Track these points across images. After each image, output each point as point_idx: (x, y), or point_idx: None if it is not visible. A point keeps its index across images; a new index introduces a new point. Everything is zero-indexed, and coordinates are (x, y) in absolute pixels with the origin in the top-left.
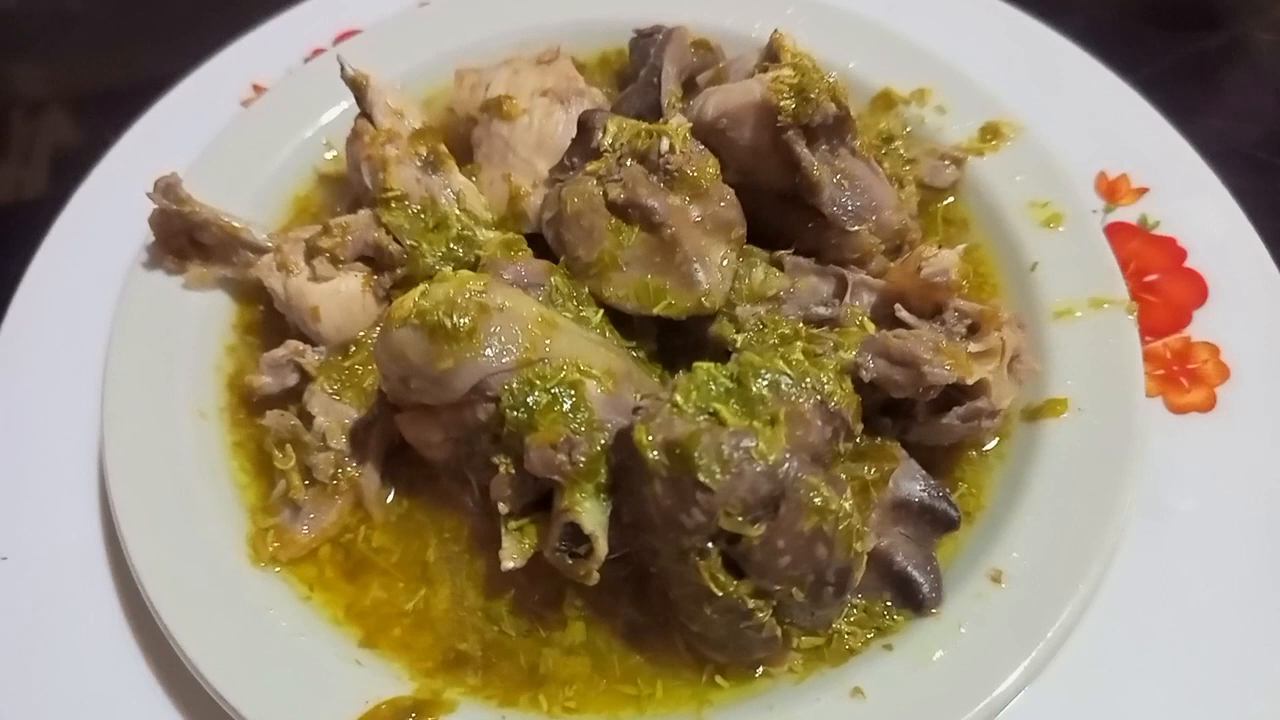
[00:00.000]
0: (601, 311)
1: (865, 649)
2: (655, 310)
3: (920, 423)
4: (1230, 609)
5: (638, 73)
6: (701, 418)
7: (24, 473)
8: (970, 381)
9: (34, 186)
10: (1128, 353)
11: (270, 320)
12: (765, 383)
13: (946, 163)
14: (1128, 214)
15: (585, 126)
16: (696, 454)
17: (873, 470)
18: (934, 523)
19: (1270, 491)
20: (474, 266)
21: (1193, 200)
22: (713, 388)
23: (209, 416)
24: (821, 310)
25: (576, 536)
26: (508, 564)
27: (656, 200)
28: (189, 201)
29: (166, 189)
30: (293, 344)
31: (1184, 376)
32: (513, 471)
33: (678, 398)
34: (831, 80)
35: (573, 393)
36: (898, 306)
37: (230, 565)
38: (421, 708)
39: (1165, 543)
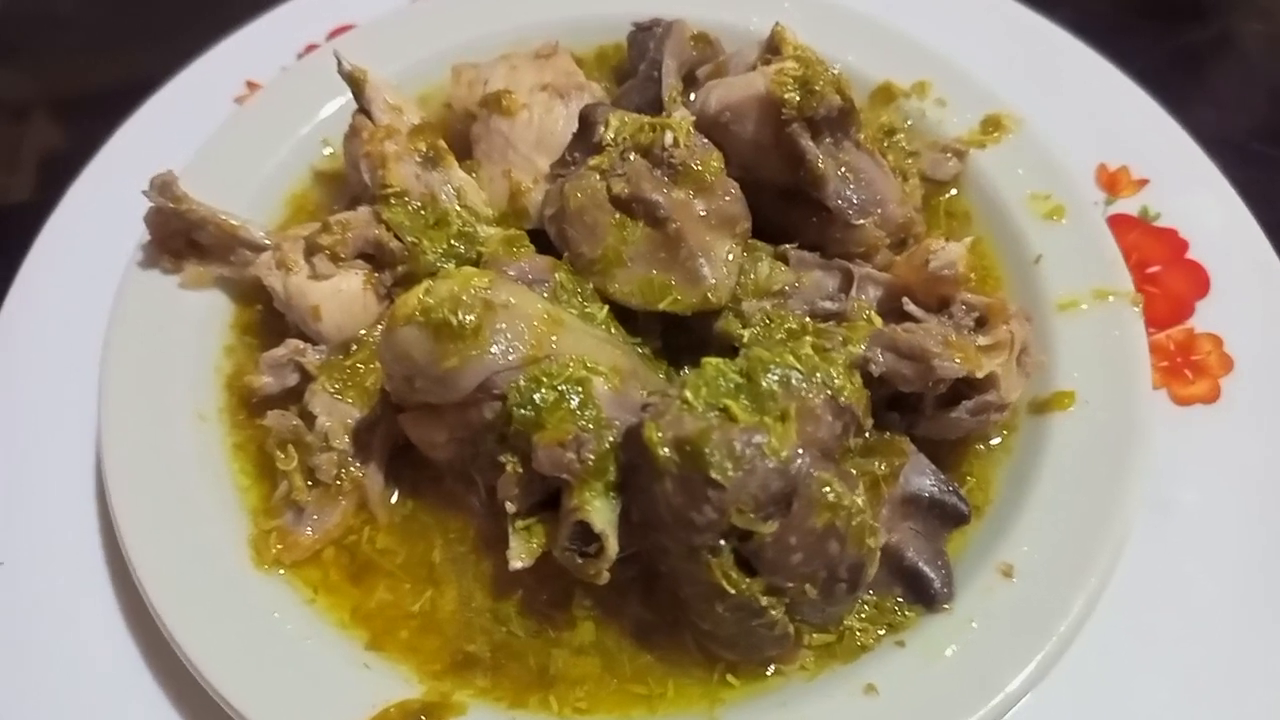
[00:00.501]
0: (606, 308)
1: (877, 645)
2: (661, 306)
3: (927, 417)
4: (1235, 602)
5: (636, 67)
6: (712, 414)
7: (21, 478)
8: (980, 375)
9: (21, 190)
10: (1133, 344)
11: (269, 320)
12: (775, 378)
13: (948, 155)
14: (1128, 206)
15: (587, 121)
16: (708, 451)
17: (883, 465)
18: (944, 517)
19: (1275, 483)
20: (476, 263)
21: (1193, 191)
22: (722, 384)
23: (208, 418)
24: (827, 305)
25: (586, 536)
26: (515, 564)
27: (660, 195)
28: (185, 199)
29: (163, 187)
30: (293, 343)
31: (1188, 368)
32: (520, 470)
33: (687, 394)
34: (835, 72)
35: (580, 390)
36: (905, 300)
37: (233, 569)
38: (430, 710)
39: (1170, 536)
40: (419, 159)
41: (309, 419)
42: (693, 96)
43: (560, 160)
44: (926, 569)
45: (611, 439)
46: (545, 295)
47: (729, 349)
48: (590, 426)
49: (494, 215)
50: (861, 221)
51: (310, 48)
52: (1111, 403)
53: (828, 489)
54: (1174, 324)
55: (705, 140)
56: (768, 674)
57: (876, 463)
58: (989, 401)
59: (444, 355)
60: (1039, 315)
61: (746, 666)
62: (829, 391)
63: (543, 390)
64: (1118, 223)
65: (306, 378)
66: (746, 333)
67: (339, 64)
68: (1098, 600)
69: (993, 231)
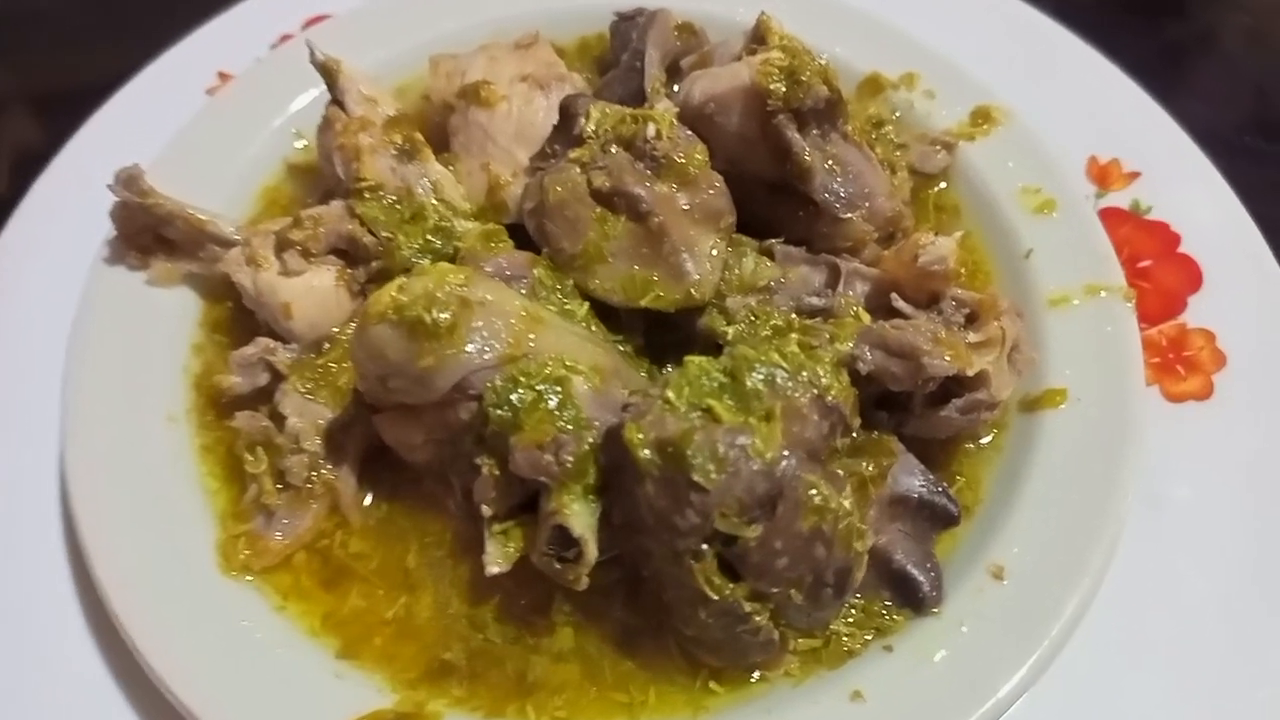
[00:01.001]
0: (587, 305)
1: (864, 650)
2: (643, 303)
3: (917, 416)
4: (1228, 600)
5: (619, 58)
6: (695, 415)
7: None
8: (970, 373)
9: None
10: (1125, 341)
11: (240, 318)
12: (760, 377)
13: (937, 148)
14: (1119, 199)
15: (567, 113)
16: (690, 453)
17: (871, 466)
18: (933, 518)
19: (1269, 480)
20: (452, 259)
21: (1186, 185)
22: (706, 383)
23: (176, 419)
24: (814, 301)
25: (565, 540)
26: (492, 569)
27: (643, 188)
28: (152, 194)
29: (128, 181)
30: (263, 342)
31: (1180, 364)
32: (497, 473)
33: (669, 394)
34: (822, 63)
35: (559, 390)
36: (894, 296)
37: (200, 575)
38: None
39: (1163, 534)
40: (394, 151)
41: (279, 420)
42: (676, 88)
43: (540, 153)
44: (915, 572)
45: (591, 440)
46: (523, 292)
47: (713, 347)
48: (569, 427)
49: (472, 210)
50: (849, 215)
51: (285, 38)
52: (1104, 400)
53: (814, 491)
54: (1166, 319)
55: (689, 132)
56: (752, 680)
57: (864, 463)
58: (980, 400)
59: (419, 354)
60: (1030, 311)
61: (731, 673)
62: (815, 390)
63: (520, 390)
64: (1109, 216)
65: (277, 377)
66: (731, 330)
67: (311, 54)
68: (1091, 602)
69: (982, 225)
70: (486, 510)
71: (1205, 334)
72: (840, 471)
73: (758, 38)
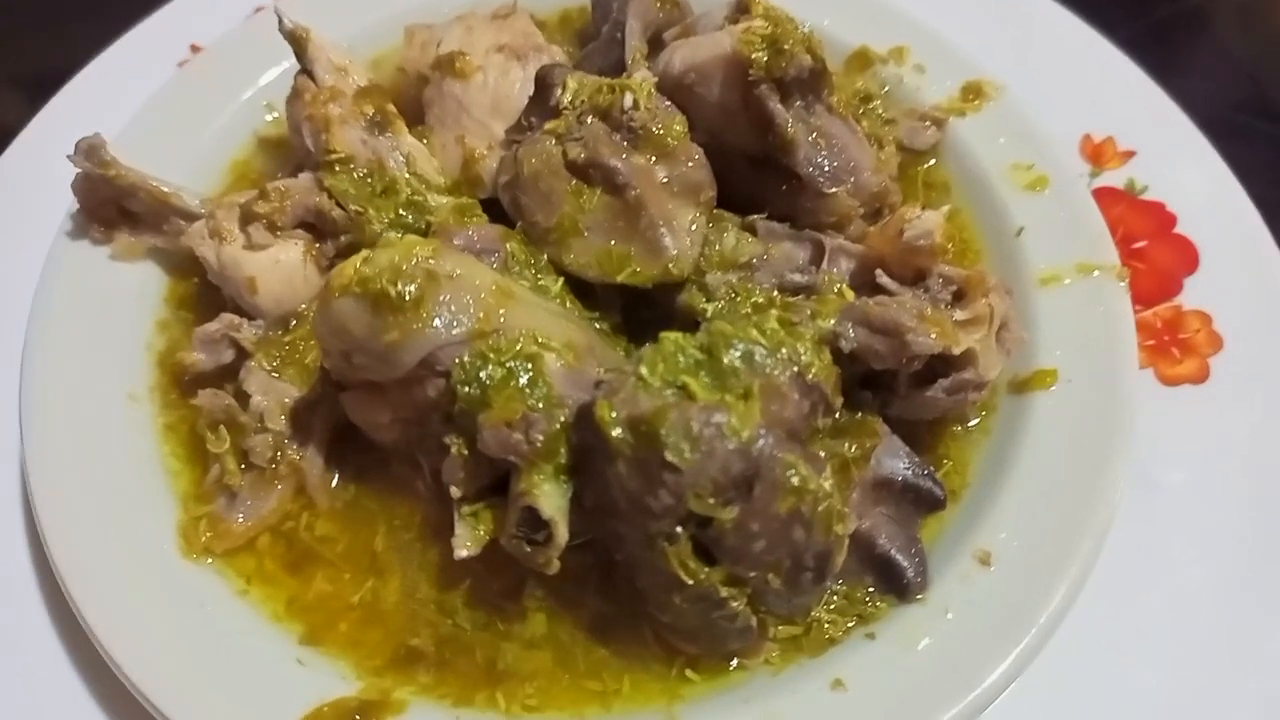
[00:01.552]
0: (562, 280)
1: (846, 638)
2: (619, 279)
3: (902, 396)
4: (1222, 586)
5: (600, 30)
6: (669, 392)
7: None
8: (956, 351)
9: None
10: (1118, 321)
11: (206, 294)
12: (738, 354)
13: (926, 124)
14: (1114, 178)
15: (544, 83)
16: (663, 431)
17: (853, 447)
18: (918, 502)
19: (1265, 464)
20: (425, 233)
21: (1182, 164)
22: (681, 359)
23: (138, 398)
24: (797, 277)
25: (535, 522)
26: (461, 552)
27: (619, 160)
28: (114, 165)
29: (89, 151)
30: (228, 318)
31: (1175, 347)
32: (465, 453)
33: (643, 370)
34: (806, 32)
35: (530, 366)
36: (879, 272)
37: (160, 558)
38: (367, 709)
39: (1156, 518)
40: (365, 123)
41: (244, 398)
42: (658, 58)
43: (516, 125)
44: (899, 557)
45: (563, 419)
46: (495, 266)
47: (692, 324)
48: (540, 405)
49: (446, 184)
50: (834, 190)
51: (260, 10)
52: (1095, 382)
53: (792, 472)
54: (1161, 301)
55: (668, 103)
56: (730, 668)
57: (847, 444)
58: (966, 380)
59: (383, 329)
60: (1020, 290)
61: (708, 660)
62: (795, 368)
63: (490, 367)
64: (1103, 196)
65: (242, 354)
66: (710, 307)
67: (280, 22)
68: (1080, 589)
69: (973, 203)
70: (455, 491)
71: (1201, 316)
72: (821, 453)
73: (741, 8)
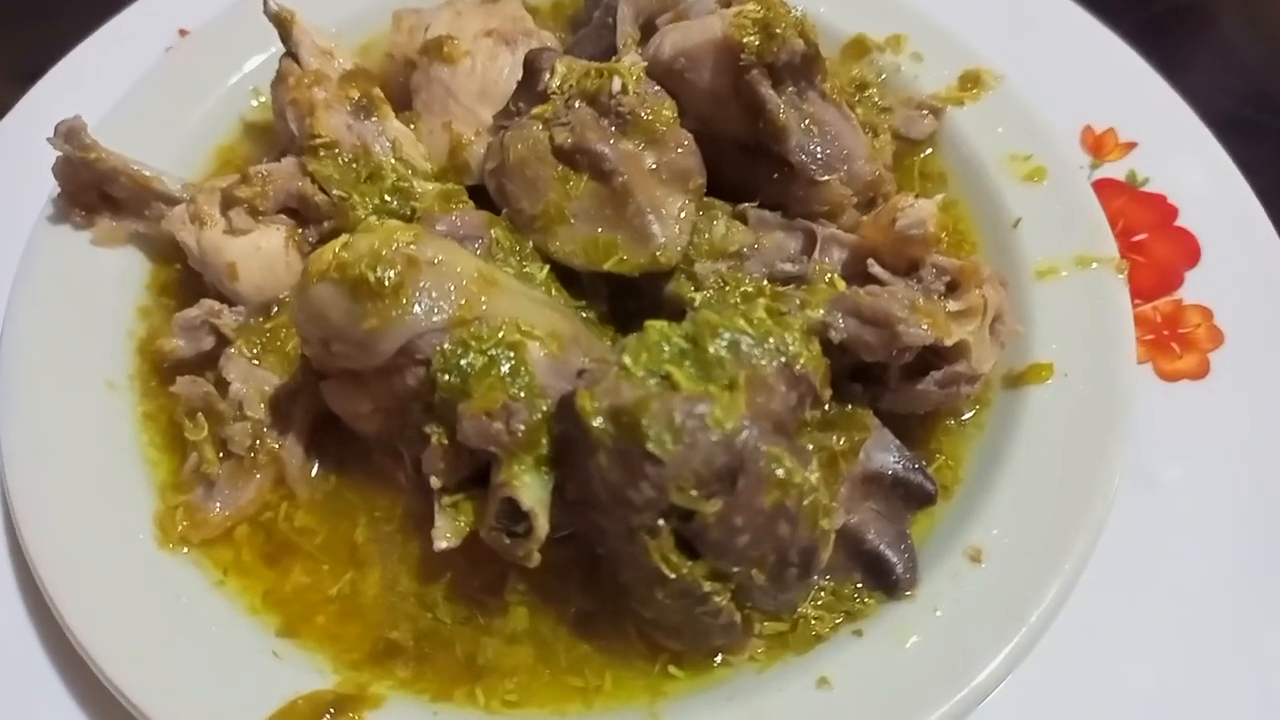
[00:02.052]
0: (547, 268)
1: (833, 635)
2: (605, 267)
3: (893, 389)
4: (1220, 584)
5: (592, 15)
6: (652, 382)
7: None
8: (948, 343)
9: None
10: (1116, 314)
11: (189, 281)
12: (724, 343)
13: (923, 113)
14: (1114, 170)
15: (532, 68)
16: (645, 422)
17: (842, 440)
18: (908, 497)
19: (1265, 461)
20: (410, 220)
21: (1183, 156)
22: (665, 349)
23: (117, 386)
24: (788, 267)
25: (515, 513)
26: (440, 544)
27: (607, 146)
28: (95, 148)
29: (69, 134)
30: (208, 304)
31: (1175, 342)
32: (446, 443)
33: (626, 360)
34: (798, 15)
35: (512, 355)
36: (870, 262)
37: (136, 548)
38: (343, 703)
39: (1155, 515)
40: (350, 107)
41: (223, 386)
42: (649, 43)
43: (504, 111)
44: (888, 553)
45: (545, 409)
46: (479, 253)
47: (680, 314)
48: (522, 395)
49: (433, 170)
50: (826, 178)
51: None
52: (1092, 376)
53: (777, 465)
54: (1161, 295)
55: (657, 88)
56: (715, 665)
57: (836, 437)
58: (959, 372)
59: (362, 315)
60: (1017, 282)
61: (692, 657)
62: (783, 359)
63: (471, 355)
64: (1103, 188)
65: (223, 341)
66: (698, 296)
67: (265, 4)
68: (1073, 586)
69: (969, 193)
70: (435, 482)
71: (1202, 310)
72: (809, 446)
73: None
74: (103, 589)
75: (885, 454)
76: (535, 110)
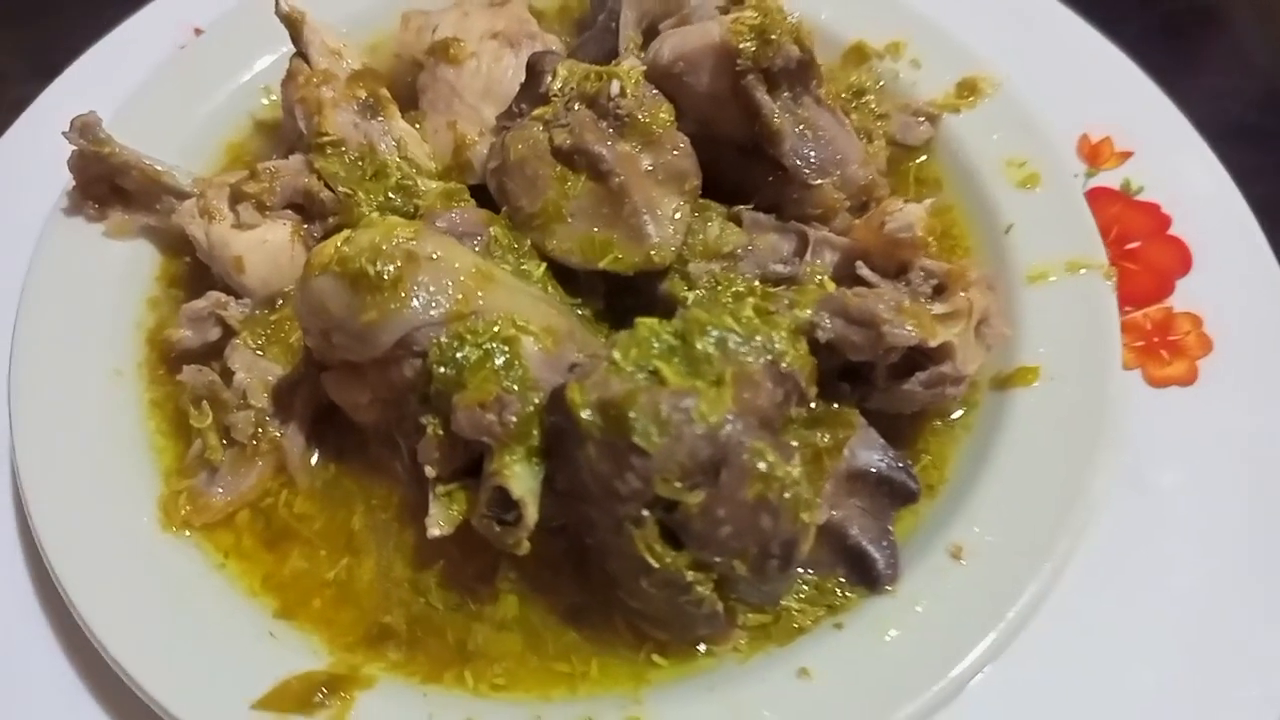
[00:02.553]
0: (544, 266)
1: (814, 627)
2: (601, 265)
3: (880, 389)
4: (1209, 589)
5: (597, 19)
6: (641, 376)
7: None
8: (933, 344)
9: None
10: (1104, 319)
11: (196, 273)
12: (712, 341)
13: (920, 119)
14: (1110, 179)
15: (534, 70)
16: (632, 414)
17: (827, 437)
18: (892, 495)
19: (1252, 467)
20: (413, 217)
21: (1178, 165)
22: (655, 345)
23: (126, 374)
24: (780, 268)
25: (505, 502)
26: (434, 531)
27: (604, 147)
28: (108, 143)
29: (84, 129)
30: (215, 295)
31: (1164, 348)
32: (441, 433)
33: (615, 354)
34: (794, 22)
35: (506, 349)
36: (859, 264)
37: (139, 530)
38: (335, 683)
39: (1144, 520)
40: (358, 106)
41: (228, 376)
42: (649, 47)
43: (507, 112)
44: (870, 549)
45: (537, 401)
46: (477, 249)
47: (674, 312)
48: (515, 388)
49: (437, 169)
50: (819, 181)
51: None
52: (1079, 380)
53: (760, 459)
54: (1153, 302)
55: (655, 91)
56: (698, 654)
57: (820, 434)
58: (944, 373)
59: (361, 308)
60: (1007, 286)
61: (676, 647)
62: (770, 356)
63: (466, 348)
64: (1098, 196)
65: (229, 333)
66: (691, 295)
67: (276, 4)
68: (1053, 586)
69: (964, 199)
70: (430, 471)
71: (1192, 318)
72: (793, 442)
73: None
74: (106, 568)
75: (870, 452)
76: (536, 112)
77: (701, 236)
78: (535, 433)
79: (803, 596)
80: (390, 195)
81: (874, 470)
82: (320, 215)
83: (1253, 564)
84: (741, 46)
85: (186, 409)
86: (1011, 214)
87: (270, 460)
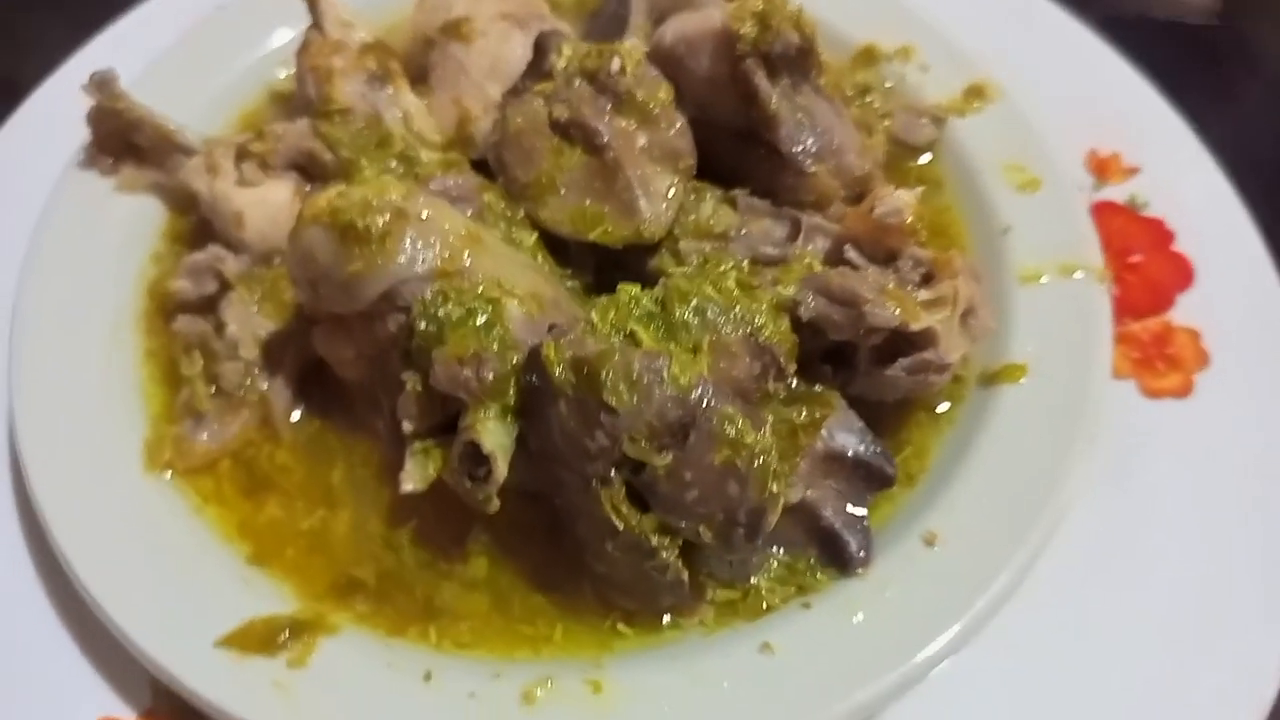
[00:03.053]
0: (536, 235)
1: (782, 606)
2: (591, 236)
3: (863, 372)
4: (1193, 589)
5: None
6: (616, 338)
7: None
8: (914, 327)
9: None
10: (1095, 320)
11: (202, 230)
12: (691, 309)
13: (924, 120)
14: (1116, 193)
15: (540, 48)
16: (604, 373)
17: (804, 414)
18: (868, 478)
19: (1243, 480)
20: None
21: (1185, 184)
22: (635, 310)
23: (125, 322)
24: (770, 251)
25: (477, 457)
26: (407, 486)
27: (601, 123)
28: (123, 99)
29: (101, 84)
30: (215, 249)
31: (1160, 360)
32: (420, 389)
33: (594, 316)
34: (794, 10)
35: (490, 310)
36: (847, 248)
37: (124, 470)
38: (299, 627)
39: (1129, 525)
40: (366, 77)
41: (221, 328)
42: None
43: (512, 89)
44: (843, 531)
45: (516, 361)
46: (470, 215)
47: None
48: (495, 347)
49: (440, 142)
50: (814, 168)
51: None
52: (1064, 379)
53: (729, 424)
54: (1151, 314)
55: (655, 72)
56: (664, 626)
57: (798, 411)
58: (927, 360)
59: (348, 259)
60: (1000, 286)
61: (643, 617)
62: (748, 329)
63: (450, 305)
64: (1104, 209)
65: (225, 287)
66: (679, 271)
67: None
68: (1023, 578)
69: (964, 200)
70: (408, 427)
71: (1190, 332)
72: (769, 417)
73: None
74: (88, 503)
75: (848, 435)
76: (538, 87)
77: (694, 216)
78: (511, 392)
79: (773, 575)
80: (393, 164)
81: (851, 453)
82: (321, 178)
83: (1235, 572)
84: (742, 31)
85: (178, 358)
86: (1009, 216)
87: (255, 411)
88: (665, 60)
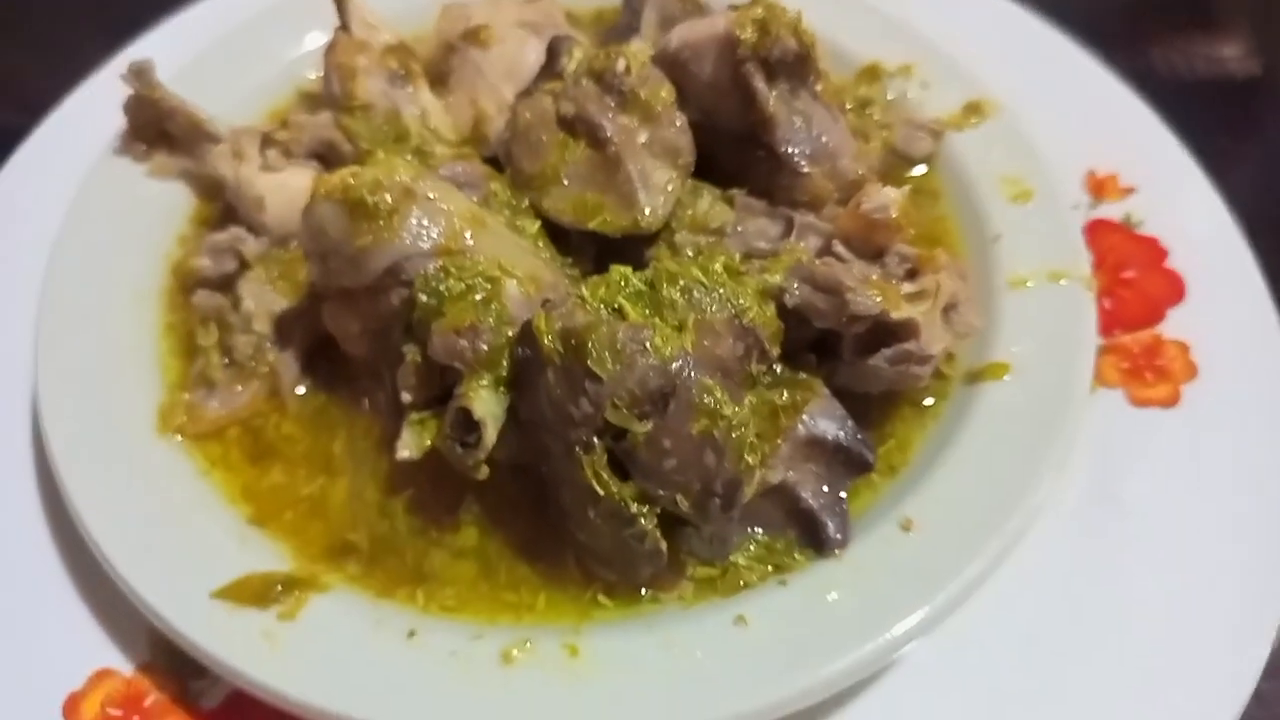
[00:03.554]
0: (539, 224)
1: (760, 583)
2: (590, 225)
3: (847, 362)
4: (1171, 594)
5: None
6: (605, 312)
7: None
8: (895, 316)
9: None
10: (1079, 323)
11: (227, 215)
12: (678, 290)
13: (923, 133)
14: (1112, 211)
15: (553, 52)
16: (590, 343)
17: (785, 396)
18: (848, 464)
19: (1225, 487)
20: None
21: (1181, 204)
22: (625, 288)
23: (148, 298)
24: (762, 246)
25: (468, 424)
26: (402, 453)
27: (605, 118)
28: (159, 88)
29: (139, 73)
30: (236, 230)
31: (1149, 371)
32: (419, 360)
33: (584, 291)
34: (793, 18)
35: (489, 287)
36: (835, 242)
37: (137, 431)
38: (292, 583)
39: (1111, 532)
40: (388, 75)
41: (237, 303)
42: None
43: (525, 91)
44: (822, 513)
45: (510, 335)
46: (476, 200)
47: None
48: (491, 320)
49: (456, 140)
50: (810, 170)
51: None
52: (1046, 378)
53: (708, 395)
54: (1142, 327)
55: (659, 72)
56: (643, 598)
57: (780, 393)
58: (909, 350)
59: (356, 233)
60: (989, 290)
61: (623, 589)
62: (732, 310)
63: (450, 280)
64: (1100, 226)
65: (244, 266)
66: (673, 261)
67: None
68: (998, 565)
69: (959, 211)
70: (406, 396)
71: (1180, 345)
72: (751, 399)
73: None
74: (100, 460)
75: (830, 420)
76: (547, 85)
77: (691, 211)
78: (505, 364)
79: (751, 554)
80: (408, 157)
81: (831, 438)
82: (340, 166)
83: (1213, 579)
84: (743, 37)
85: (195, 331)
86: (1001, 225)
87: (265, 382)
88: (670, 64)
